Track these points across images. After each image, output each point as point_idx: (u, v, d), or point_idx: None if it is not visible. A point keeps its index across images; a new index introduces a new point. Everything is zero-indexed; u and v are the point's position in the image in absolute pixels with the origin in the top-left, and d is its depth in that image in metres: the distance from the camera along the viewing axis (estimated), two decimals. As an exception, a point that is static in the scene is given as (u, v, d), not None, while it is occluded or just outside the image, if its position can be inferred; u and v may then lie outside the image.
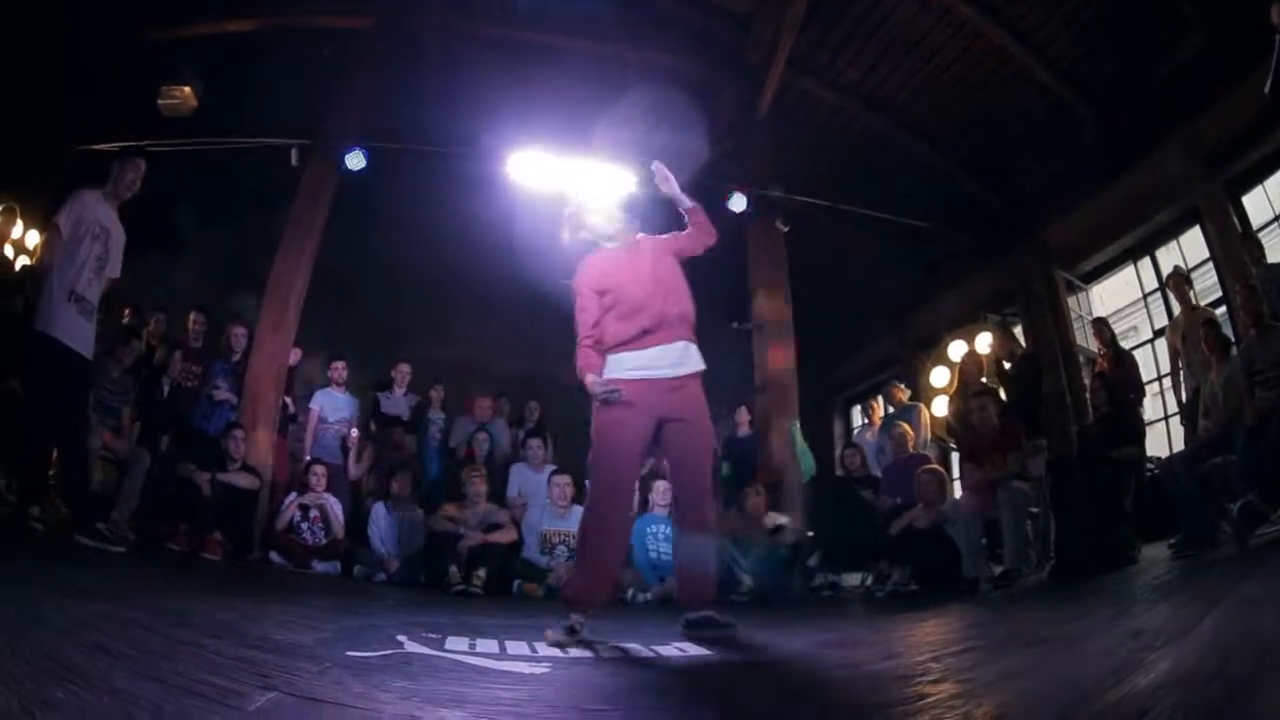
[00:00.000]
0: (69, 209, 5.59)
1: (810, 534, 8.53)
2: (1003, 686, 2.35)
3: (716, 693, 2.57)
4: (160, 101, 8.90)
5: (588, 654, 3.36)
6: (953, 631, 4.34)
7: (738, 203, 9.82)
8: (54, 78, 8.83)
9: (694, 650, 3.49)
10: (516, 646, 3.39)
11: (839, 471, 9.52)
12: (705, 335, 11.52)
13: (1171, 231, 9.31)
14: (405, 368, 10.08)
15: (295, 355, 9.39)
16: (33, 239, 8.05)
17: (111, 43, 9.25)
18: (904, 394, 10.31)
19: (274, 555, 7.70)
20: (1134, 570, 5.97)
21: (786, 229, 9.97)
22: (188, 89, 8.94)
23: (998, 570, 6.86)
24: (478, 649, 3.23)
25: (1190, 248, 9.11)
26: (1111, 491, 6.53)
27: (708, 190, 10.00)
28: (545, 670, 2.90)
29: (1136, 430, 7.50)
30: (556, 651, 3.33)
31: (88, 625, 2.62)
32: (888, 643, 3.86)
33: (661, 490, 7.89)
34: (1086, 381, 9.00)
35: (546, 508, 7.92)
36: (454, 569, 7.36)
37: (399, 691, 2.32)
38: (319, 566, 7.67)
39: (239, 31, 9.82)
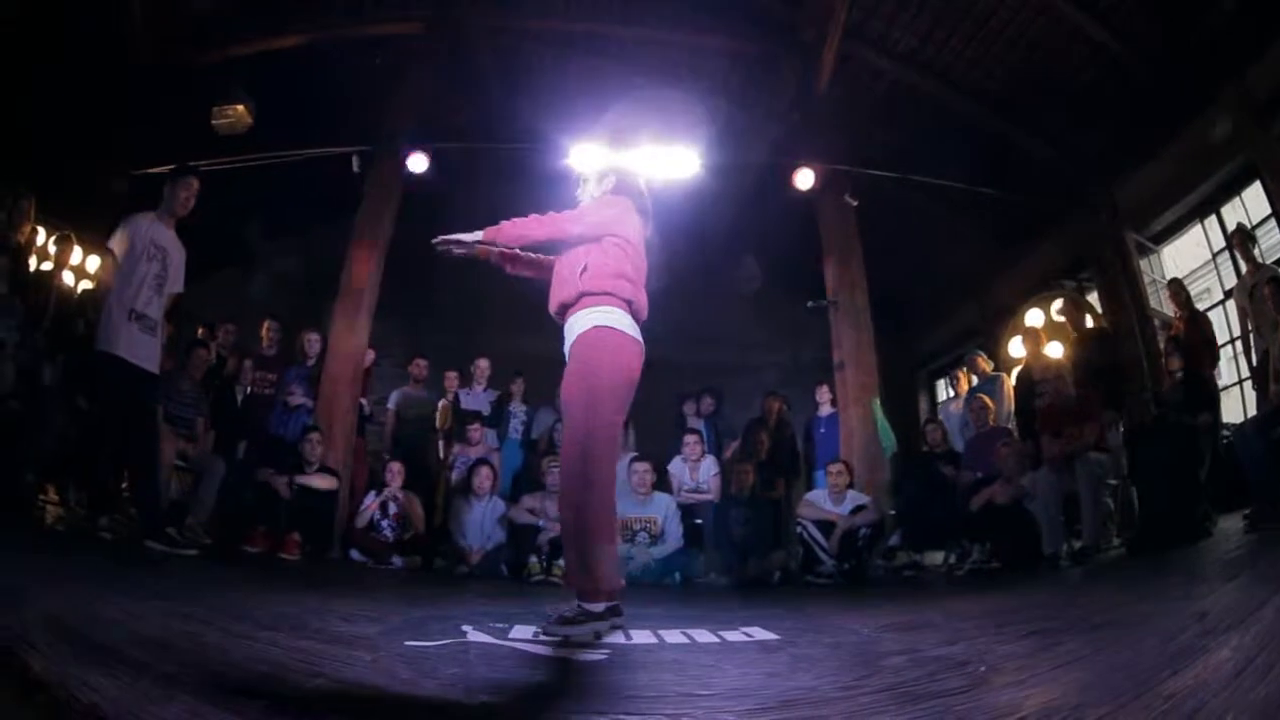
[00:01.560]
0: (121, 232, 5.79)
1: (892, 512, 8.40)
2: (1058, 675, 2.29)
3: (769, 676, 2.51)
4: (214, 121, 9.09)
5: (652, 640, 3.32)
6: (1021, 613, 4.23)
7: (804, 179, 9.68)
8: (106, 107, 9.07)
9: (760, 634, 3.46)
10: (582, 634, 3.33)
11: (923, 447, 9.35)
12: (781, 315, 11.49)
13: (1234, 188, 8.89)
14: (484, 363, 10.15)
15: (370, 357, 9.50)
16: (93, 264, 8.34)
17: (161, 68, 9.47)
18: (987, 364, 10.11)
19: (354, 553, 7.84)
20: (1208, 544, 5.78)
21: (855, 203, 9.79)
22: (241, 107, 9.13)
23: (1077, 545, 6.71)
24: (541, 637, 3.20)
25: (1253, 203, 8.67)
26: (1186, 461, 6.31)
27: (773, 169, 9.93)
28: (603, 657, 2.88)
29: (1211, 396, 7.27)
30: (620, 638, 3.30)
31: (144, 621, 2.68)
32: (954, 626, 3.75)
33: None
34: (1161, 346, 8.65)
35: (627, 495, 7.85)
36: (534, 560, 7.43)
37: (447, 678, 2.33)
38: (399, 562, 7.78)
39: (289, 47, 10.00)
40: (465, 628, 3.34)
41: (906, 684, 2.27)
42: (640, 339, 3.67)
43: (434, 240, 3.87)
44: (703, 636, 3.39)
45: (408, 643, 2.89)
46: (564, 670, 2.67)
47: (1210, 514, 6.26)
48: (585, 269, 3.63)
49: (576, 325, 3.63)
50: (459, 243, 3.83)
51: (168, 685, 1.85)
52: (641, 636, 3.37)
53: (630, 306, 3.66)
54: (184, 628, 2.67)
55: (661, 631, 3.49)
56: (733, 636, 3.40)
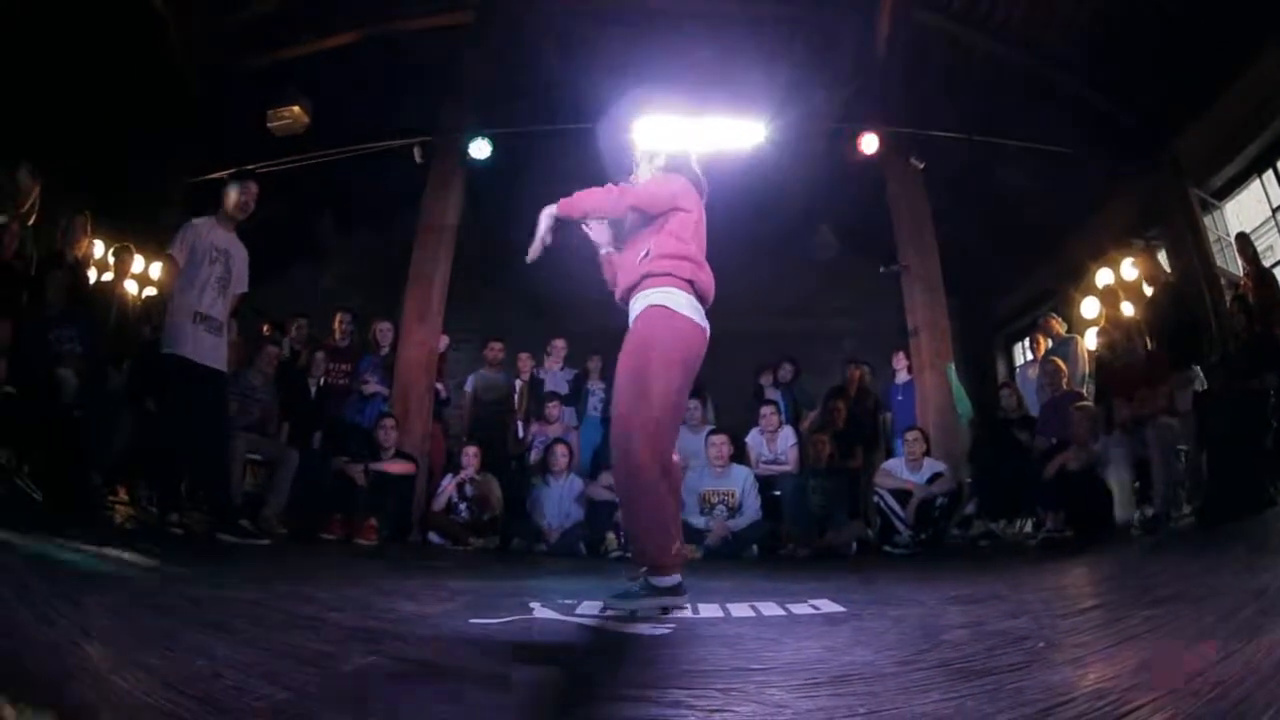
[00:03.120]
0: (181, 238, 6.01)
1: (968, 480, 8.30)
2: (1115, 654, 2.25)
3: (827, 650, 2.49)
4: (271, 124, 9.26)
5: (718, 613, 3.31)
6: (1086, 586, 4.28)
7: (870, 144, 9.58)
8: (162, 116, 9.33)
9: (828, 607, 3.45)
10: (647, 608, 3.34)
11: (998, 413, 9.22)
12: (858, 282, 11.41)
13: None
14: (560, 343, 10.24)
15: (444, 342, 9.62)
16: (155, 272, 8.61)
17: (214, 74, 9.73)
18: (1060, 326, 9.93)
19: (432, 536, 7.99)
20: (1275, 513, 5.64)
21: (922, 166, 9.65)
22: (297, 108, 9.27)
23: (1149, 513, 6.61)
24: (608, 613, 3.23)
25: None
26: (1253, 426, 6.10)
27: (840, 134, 9.82)
28: (666, 631, 2.88)
29: (1276, 356, 7.01)
30: (686, 612, 3.31)
31: (208, 607, 2.75)
32: (1020, 598, 3.74)
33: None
34: (1228, 305, 8.37)
35: (705, 468, 7.94)
36: (611, 536, 7.48)
37: (503, 653, 2.37)
38: (478, 543, 7.89)
39: (342, 45, 10.18)
40: (533, 604, 3.37)
41: (963, 659, 2.24)
42: (701, 320, 3.65)
43: (528, 259, 3.83)
44: (769, 609, 3.38)
45: (472, 620, 2.92)
46: (622, 645, 2.68)
47: (1276, 481, 6.05)
48: (648, 253, 3.64)
49: (636, 305, 3.64)
50: (542, 237, 3.79)
51: (217, 664, 1.90)
52: (709, 610, 3.37)
53: (693, 286, 3.64)
54: (248, 612, 2.73)
55: (729, 605, 3.48)
56: (799, 609, 3.38)
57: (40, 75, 8.08)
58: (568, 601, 3.49)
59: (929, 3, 10.04)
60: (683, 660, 2.37)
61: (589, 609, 3.31)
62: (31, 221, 7.34)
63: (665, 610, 3.28)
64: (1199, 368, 7.61)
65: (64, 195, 7.88)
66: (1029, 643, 2.43)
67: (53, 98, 8.28)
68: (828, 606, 3.45)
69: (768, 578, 5.60)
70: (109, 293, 8.17)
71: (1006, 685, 1.92)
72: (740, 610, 3.37)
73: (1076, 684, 1.91)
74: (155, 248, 8.29)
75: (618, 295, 3.83)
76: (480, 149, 9.45)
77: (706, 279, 3.72)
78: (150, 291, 8.82)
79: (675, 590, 3.36)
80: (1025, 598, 3.75)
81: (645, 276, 3.61)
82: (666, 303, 3.55)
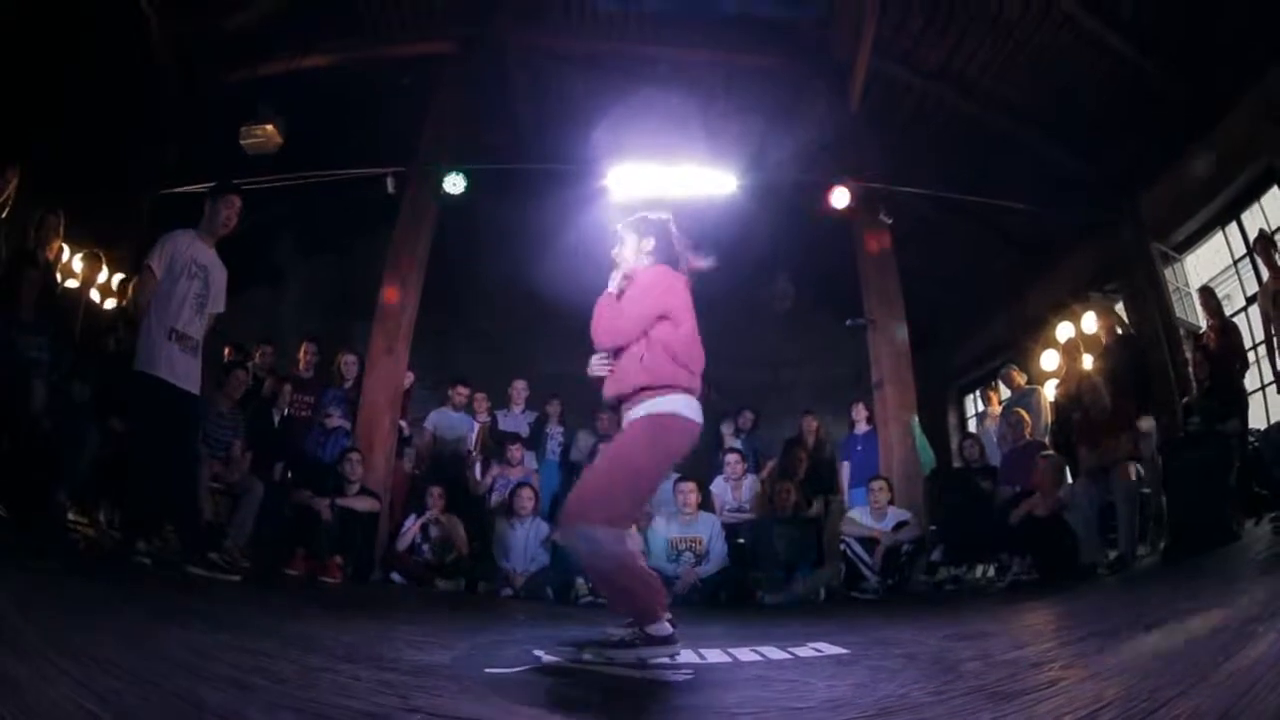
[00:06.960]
0: (161, 249, 5.62)
1: (933, 528, 8.39)
2: (1127, 667, 2.43)
3: (857, 687, 2.53)
4: (243, 141, 9.05)
5: (726, 658, 3.33)
6: (1074, 619, 4.45)
7: (840, 198, 9.64)
8: (135, 126, 9.10)
9: (829, 649, 3.50)
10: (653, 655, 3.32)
11: (957, 463, 9.35)
12: (814, 332, 11.48)
13: (1253, 193, 8.78)
14: (521, 384, 10.10)
15: (408, 379, 9.48)
16: (117, 282, 8.32)
17: (190, 88, 9.54)
18: (1021, 377, 10.09)
19: (395, 576, 7.82)
20: (1238, 548, 5.86)
21: (890, 221, 9.77)
22: (270, 126, 9.07)
23: (1113, 555, 6.78)
24: (615, 660, 3.16)
25: (1273, 209, 8.59)
26: (1217, 468, 6.34)
27: (808, 187, 9.93)
28: (687, 677, 2.88)
29: (1239, 402, 7.28)
30: (694, 657, 3.30)
31: (213, 658, 2.55)
32: (1014, 633, 3.99)
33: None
34: (1189, 355, 8.64)
35: (673, 515, 7.94)
36: (580, 580, 7.39)
37: (543, 705, 2.31)
38: (443, 585, 7.77)
39: (320, 67, 10.06)
40: (537, 652, 3.33)
41: (992, 685, 2.36)
42: (698, 417, 3.55)
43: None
44: (774, 653, 3.43)
45: (487, 670, 2.87)
46: (656, 691, 2.67)
47: (1238, 518, 6.34)
48: (643, 359, 3.56)
49: (636, 411, 3.55)
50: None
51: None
52: (714, 655, 3.38)
53: (689, 392, 3.57)
54: (257, 664, 2.56)
55: (732, 650, 3.50)
56: (803, 652, 3.44)
57: (20, 70, 7.84)
58: (568, 648, 3.42)
59: (902, 59, 10.23)
60: (728, 703, 2.39)
61: (594, 656, 3.25)
62: (4, 215, 6.90)
63: (644, 661, 3.22)
64: (1152, 417, 7.82)
65: (35, 192, 7.52)
66: (1046, 666, 2.59)
67: (31, 93, 8.02)
68: (829, 649, 3.51)
69: (750, 624, 5.62)
70: (76, 300, 7.87)
71: (1044, 700, 2.08)
72: (745, 655, 3.41)
73: (1105, 692, 2.07)
74: (121, 257, 8.06)
75: (607, 397, 3.72)
76: (454, 184, 9.34)
77: (699, 379, 3.64)
78: (114, 303, 8.48)
79: (669, 640, 3.29)
80: (1018, 632, 3.97)
81: (642, 389, 3.53)
82: (670, 409, 3.49)
